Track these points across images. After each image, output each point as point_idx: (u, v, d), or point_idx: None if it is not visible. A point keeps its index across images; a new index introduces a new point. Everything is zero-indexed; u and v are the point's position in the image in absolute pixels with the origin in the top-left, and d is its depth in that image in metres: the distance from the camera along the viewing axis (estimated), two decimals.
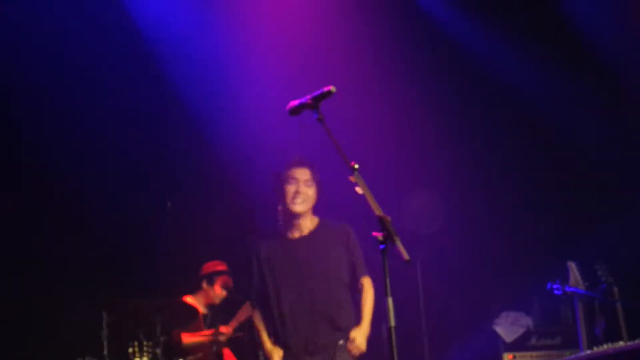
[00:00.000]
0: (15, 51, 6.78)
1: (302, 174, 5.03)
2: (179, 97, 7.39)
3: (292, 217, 5.03)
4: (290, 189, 5.00)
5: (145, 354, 5.59)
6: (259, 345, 5.09)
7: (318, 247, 5.02)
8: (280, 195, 5.03)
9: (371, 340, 5.04)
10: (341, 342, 4.90)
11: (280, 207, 5.07)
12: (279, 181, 5.04)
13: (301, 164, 5.05)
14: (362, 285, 5.04)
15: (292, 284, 4.96)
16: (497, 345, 7.16)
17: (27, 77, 6.81)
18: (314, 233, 5.07)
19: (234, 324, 6.65)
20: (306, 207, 5.03)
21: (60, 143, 6.95)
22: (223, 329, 6.54)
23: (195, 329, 6.52)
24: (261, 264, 5.03)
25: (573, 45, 7.47)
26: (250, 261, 5.07)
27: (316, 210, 5.13)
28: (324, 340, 4.90)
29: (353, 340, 4.89)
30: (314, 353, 4.88)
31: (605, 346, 5.48)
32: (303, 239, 5.05)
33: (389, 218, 3.52)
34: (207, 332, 6.57)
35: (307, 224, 5.07)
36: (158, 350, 5.63)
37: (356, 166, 3.70)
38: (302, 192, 5.00)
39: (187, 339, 6.42)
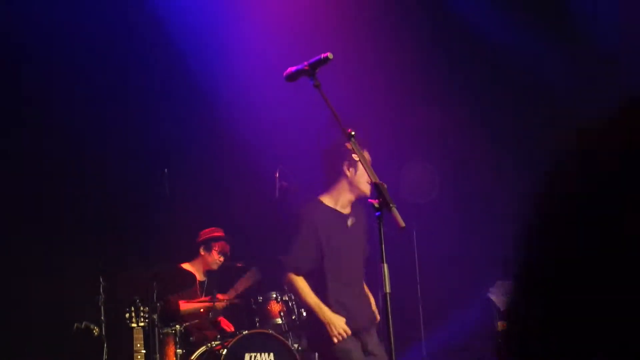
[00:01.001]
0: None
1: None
2: (181, 64, 7.37)
3: (353, 195, 4.94)
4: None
5: (142, 319, 5.60)
6: (309, 313, 5.01)
7: (358, 227, 5.03)
8: (355, 173, 4.87)
9: None
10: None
11: (343, 179, 4.91)
12: (352, 155, 4.74)
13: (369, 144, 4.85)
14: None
15: (348, 257, 4.94)
16: (492, 313, 7.19)
17: (25, 35, 6.79)
18: (354, 212, 5.02)
19: (232, 293, 6.64)
20: None
21: (60, 106, 6.91)
22: (220, 296, 6.53)
23: (192, 296, 6.54)
24: (318, 234, 4.88)
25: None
26: (303, 229, 4.90)
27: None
28: (369, 315, 5.06)
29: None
30: (365, 329, 4.96)
31: None
32: (351, 215, 5.00)
33: (385, 185, 3.51)
34: (204, 299, 6.58)
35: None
36: (155, 316, 5.65)
37: (353, 133, 3.69)
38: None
39: (185, 306, 6.43)
